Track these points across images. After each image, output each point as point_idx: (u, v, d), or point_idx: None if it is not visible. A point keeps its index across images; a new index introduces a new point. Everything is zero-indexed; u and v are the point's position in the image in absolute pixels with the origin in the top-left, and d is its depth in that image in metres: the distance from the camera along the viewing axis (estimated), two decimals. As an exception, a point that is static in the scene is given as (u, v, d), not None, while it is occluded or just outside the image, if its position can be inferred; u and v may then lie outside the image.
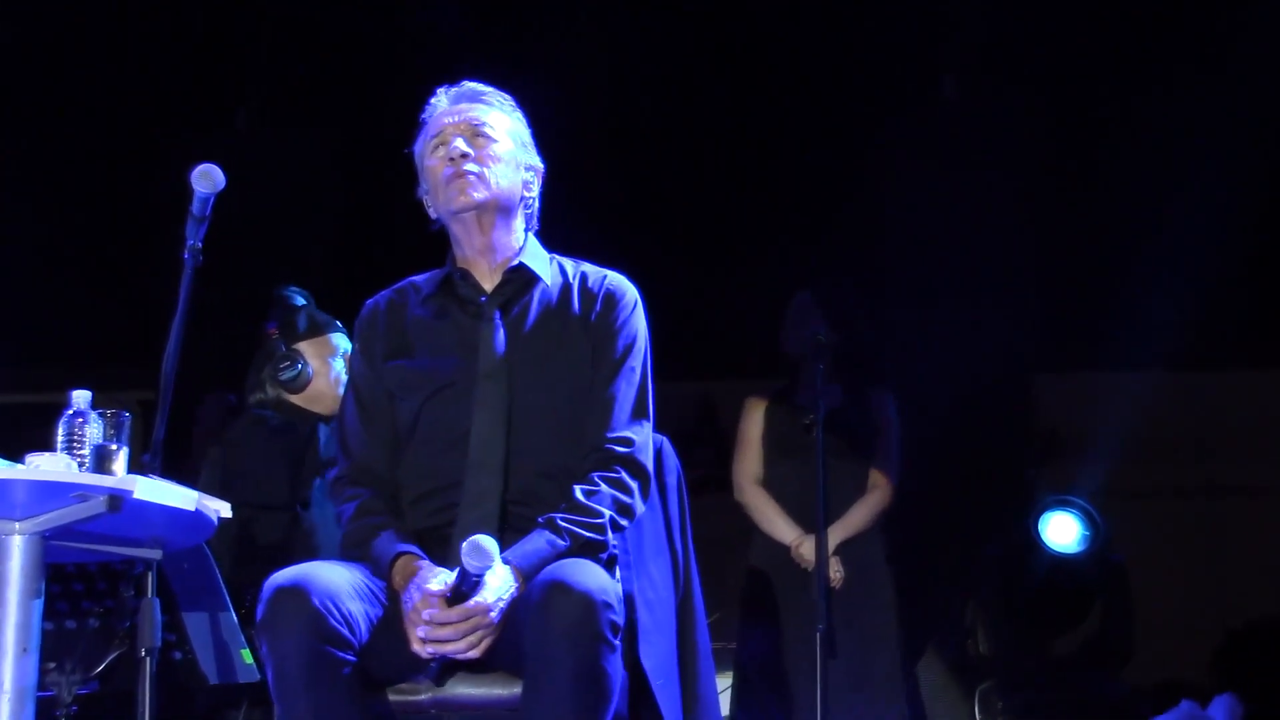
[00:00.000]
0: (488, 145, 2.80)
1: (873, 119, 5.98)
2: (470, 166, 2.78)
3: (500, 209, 2.81)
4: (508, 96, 2.91)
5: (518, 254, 2.84)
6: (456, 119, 2.82)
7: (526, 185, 2.86)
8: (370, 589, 2.57)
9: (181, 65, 6.08)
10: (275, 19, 6.06)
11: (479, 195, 2.78)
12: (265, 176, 5.94)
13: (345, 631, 2.42)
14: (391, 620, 2.54)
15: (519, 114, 2.91)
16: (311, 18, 6.03)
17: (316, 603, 2.39)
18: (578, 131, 5.69)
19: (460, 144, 2.78)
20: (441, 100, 2.88)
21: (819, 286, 4.82)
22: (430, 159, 2.83)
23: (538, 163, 2.90)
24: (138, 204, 6.07)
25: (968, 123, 5.96)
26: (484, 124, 2.82)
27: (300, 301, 4.07)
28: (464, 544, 2.42)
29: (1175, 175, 5.60)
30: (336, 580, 2.47)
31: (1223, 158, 5.46)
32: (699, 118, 6.09)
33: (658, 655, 2.64)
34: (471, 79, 2.91)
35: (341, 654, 2.42)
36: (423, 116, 2.89)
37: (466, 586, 2.46)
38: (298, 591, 2.40)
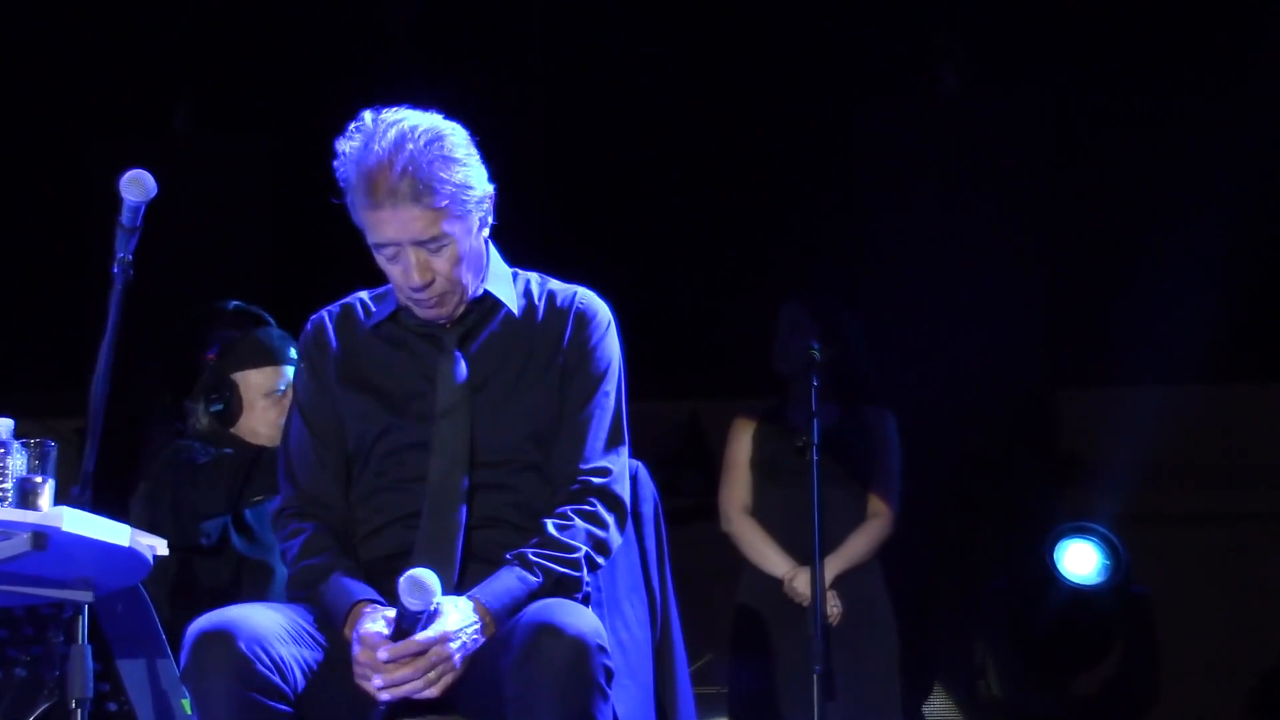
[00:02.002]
0: (446, 257, 2.67)
1: (866, 116, 5.99)
2: (432, 296, 2.70)
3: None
4: (439, 138, 2.65)
5: (479, 279, 2.79)
6: (400, 233, 2.63)
7: (484, 220, 2.76)
8: (306, 631, 2.58)
9: (113, 60, 6.08)
10: (216, 13, 6.07)
11: (446, 310, 2.73)
12: (203, 183, 5.96)
13: (276, 678, 2.43)
14: (333, 664, 2.55)
15: (458, 156, 2.67)
16: (254, 14, 6.04)
17: (244, 648, 2.40)
18: (548, 138, 5.73)
19: (414, 277, 2.65)
20: (362, 183, 2.62)
21: (810, 297, 4.84)
22: (377, 255, 2.70)
23: (489, 188, 2.75)
24: (66, 212, 6.07)
25: (970, 119, 5.98)
26: (435, 238, 2.64)
27: (234, 321, 4.05)
28: (401, 580, 2.42)
29: (1198, 174, 5.63)
30: (265, 623, 2.48)
31: (1249, 153, 5.49)
32: (677, 118, 6.10)
33: (631, 702, 2.65)
34: (396, 102, 2.70)
35: (273, 703, 2.43)
36: (340, 175, 2.67)
37: (407, 624, 2.46)
38: (223, 636, 2.41)
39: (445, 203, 2.64)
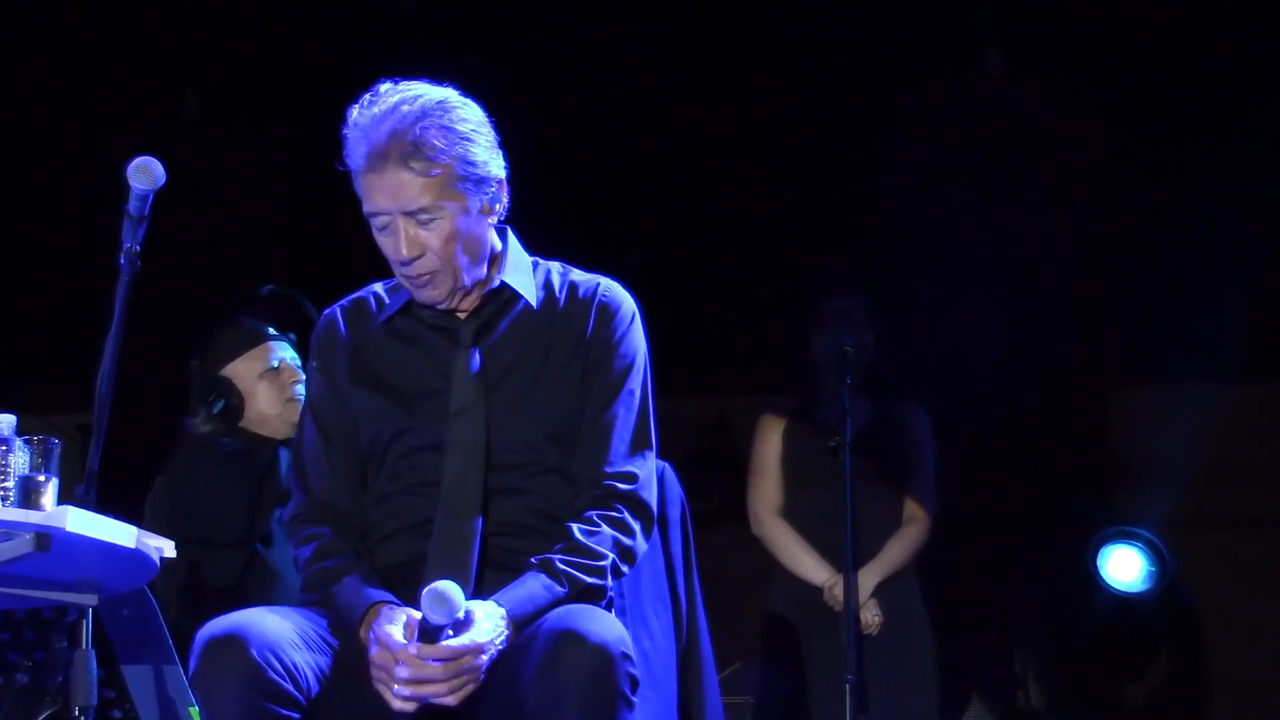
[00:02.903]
0: (436, 231, 2.65)
1: (906, 100, 5.96)
2: (421, 271, 2.68)
3: (471, 270, 2.72)
4: (439, 107, 2.66)
5: (497, 269, 2.78)
6: (388, 200, 2.63)
7: (490, 210, 2.73)
8: (320, 635, 2.58)
9: (119, 48, 6.10)
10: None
11: (440, 294, 2.71)
12: (212, 174, 5.98)
13: (289, 686, 2.43)
14: (346, 669, 2.55)
15: (459, 128, 2.66)
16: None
17: (255, 654, 2.40)
18: (568, 125, 5.71)
19: (402, 249, 2.65)
20: (365, 156, 2.64)
21: (859, 289, 4.82)
22: (374, 230, 2.71)
23: (497, 171, 2.73)
24: (71, 203, 6.09)
25: (1015, 102, 5.95)
26: (424, 209, 2.63)
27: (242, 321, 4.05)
28: (424, 592, 2.43)
29: (1254, 164, 5.60)
30: (277, 628, 2.48)
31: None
32: (703, 103, 6.08)
33: (654, 715, 2.65)
34: (401, 76, 2.71)
35: (286, 711, 2.43)
36: (346, 148, 2.68)
37: (430, 639, 2.46)
38: (233, 642, 2.41)
39: (438, 172, 2.63)
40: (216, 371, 3.97)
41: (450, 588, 2.42)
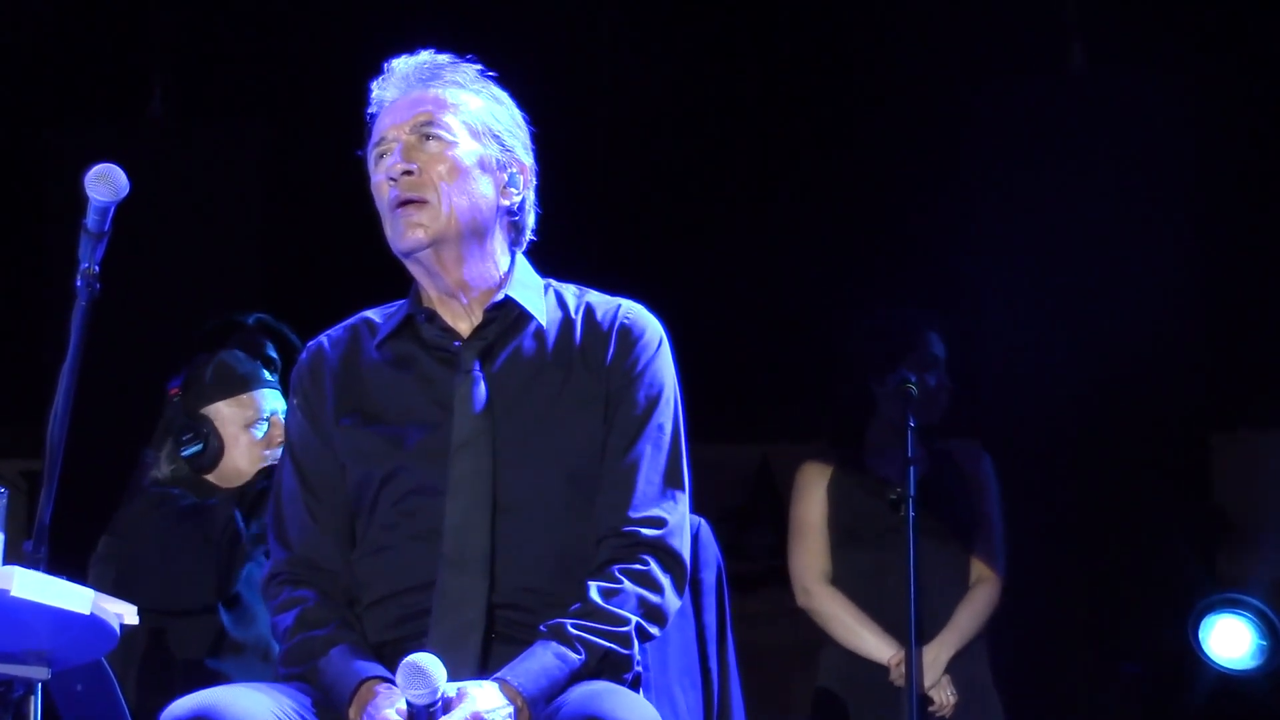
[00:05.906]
0: (440, 153, 2.76)
1: (981, 101, 5.96)
2: (411, 191, 2.74)
3: (466, 237, 2.78)
4: (479, 70, 2.87)
5: (502, 285, 2.82)
6: (400, 117, 2.79)
7: (506, 191, 2.82)
8: (302, 717, 2.58)
9: (78, 38, 6.13)
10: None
11: (426, 234, 2.75)
12: (182, 178, 6.00)
13: None
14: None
15: (494, 91, 2.86)
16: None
17: None
18: (588, 134, 5.72)
19: (399, 161, 2.75)
20: (387, 90, 2.85)
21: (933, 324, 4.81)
22: (375, 173, 2.82)
23: (525, 158, 2.86)
24: (20, 214, 6.12)
25: (1104, 104, 5.95)
26: (434, 122, 2.77)
27: (231, 354, 4.04)
28: (399, 668, 2.42)
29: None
30: (254, 709, 2.48)
31: None
32: (747, 106, 6.09)
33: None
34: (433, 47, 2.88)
35: None
36: (373, 96, 2.87)
37: None
38: None
39: (455, 99, 2.80)
40: (198, 409, 3.97)
41: (426, 659, 2.42)
